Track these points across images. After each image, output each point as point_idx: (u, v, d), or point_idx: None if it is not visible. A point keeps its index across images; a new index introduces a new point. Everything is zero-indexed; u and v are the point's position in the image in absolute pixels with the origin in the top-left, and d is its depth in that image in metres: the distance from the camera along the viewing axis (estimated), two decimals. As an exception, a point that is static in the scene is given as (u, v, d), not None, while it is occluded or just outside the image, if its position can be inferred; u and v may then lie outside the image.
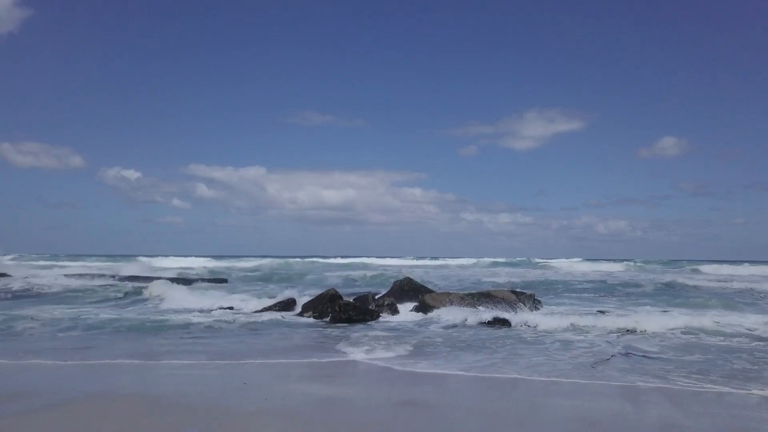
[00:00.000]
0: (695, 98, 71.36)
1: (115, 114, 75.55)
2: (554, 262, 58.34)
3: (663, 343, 12.02)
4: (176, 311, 17.75)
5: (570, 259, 64.81)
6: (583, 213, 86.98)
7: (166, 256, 69.21)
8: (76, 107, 73.20)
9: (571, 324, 14.40)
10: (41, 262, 49.89)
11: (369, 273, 37.21)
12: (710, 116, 71.63)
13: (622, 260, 64.83)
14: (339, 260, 63.03)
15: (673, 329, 13.49)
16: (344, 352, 10.88)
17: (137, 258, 63.72)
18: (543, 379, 8.65)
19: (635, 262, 62.15)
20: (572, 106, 77.37)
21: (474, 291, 20.35)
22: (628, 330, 13.63)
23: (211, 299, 20.12)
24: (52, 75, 68.74)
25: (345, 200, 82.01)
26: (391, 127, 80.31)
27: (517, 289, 21.66)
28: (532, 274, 37.03)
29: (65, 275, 31.57)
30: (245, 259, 66.53)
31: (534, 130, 71.49)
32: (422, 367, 9.49)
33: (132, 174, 71.40)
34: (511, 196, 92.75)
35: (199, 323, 14.63)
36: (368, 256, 73.00)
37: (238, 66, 72.34)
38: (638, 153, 73.28)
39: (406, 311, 18.68)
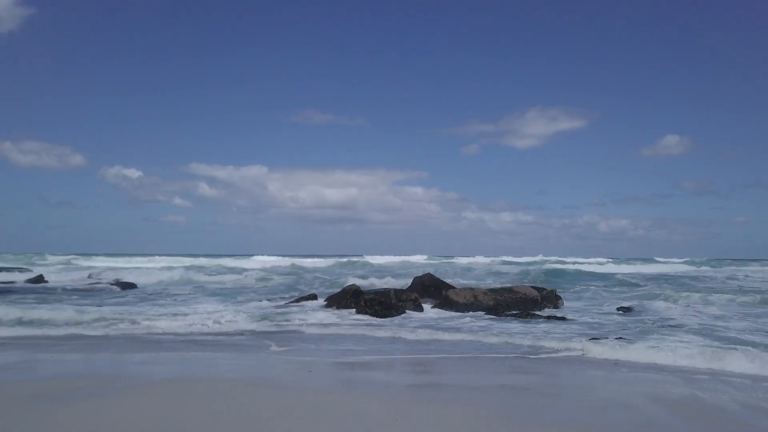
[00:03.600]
0: (698, 97, 71.68)
1: (116, 113, 75.03)
2: (561, 261, 58.52)
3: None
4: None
5: (579, 258, 64.92)
6: (585, 212, 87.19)
7: (169, 255, 69.17)
8: (77, 106, 72.64)
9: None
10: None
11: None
12: (713, 115, 71.92)
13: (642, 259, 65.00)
14: (340, 259, 63.00)
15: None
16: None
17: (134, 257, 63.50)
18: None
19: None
20: (574, 104, 77.48)
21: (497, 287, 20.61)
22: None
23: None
24: (53, 74, 68.24)
25: (346, 199, 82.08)
26: (392, 125, 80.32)
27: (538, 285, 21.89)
28: (542, 272, 37.23)
29: None
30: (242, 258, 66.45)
31: (535, 128, 71.63)
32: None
33: (133, 173, 71.06)
34: (512, 195, 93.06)
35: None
36: (371, 255, 73.17)
37: (239, 65, 72.16)
38: (640, 151, 73.52)
39: (428, 308, 18.87)
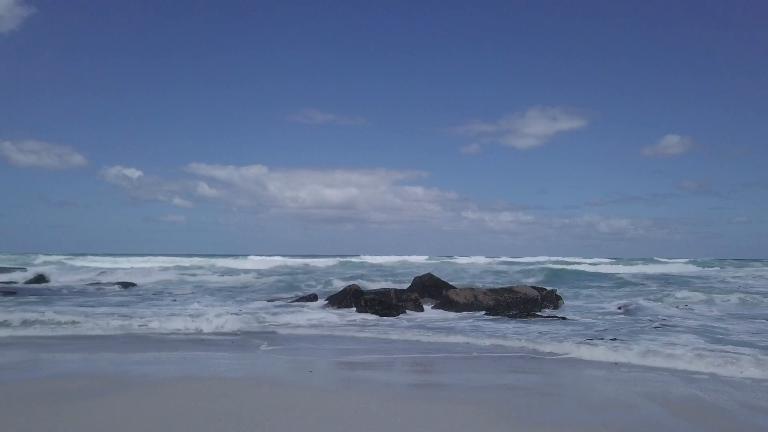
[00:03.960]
0: (698, 96, 71.40)
1: (116, 112, 74.89)
2: (561, 261, 58.49)
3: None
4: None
5: (579, 258, 64.90)
6: (585, 211, 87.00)
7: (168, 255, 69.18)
8: (77, 106, 72.45)
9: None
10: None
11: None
12: (713, 115, 71.73)
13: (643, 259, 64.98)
14: (340, 259, 63.02)
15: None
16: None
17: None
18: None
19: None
20: (574, 104, 76.89)
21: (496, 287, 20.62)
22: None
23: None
24: (54, 73, 68.09)
25: (346, 199, 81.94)
26: (392, 125, 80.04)
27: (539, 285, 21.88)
28: (542, 272, 37.27)
29: None
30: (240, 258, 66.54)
31: (536, 128, 71.34)
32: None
33: (133, 173, 70.93)
34: (512, 195, 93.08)
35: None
36: (370, 255, 73.19)
37: (239, 64, 72.02)
38: (641, 151, 73.34)
39: (428, 308, 18.87)
